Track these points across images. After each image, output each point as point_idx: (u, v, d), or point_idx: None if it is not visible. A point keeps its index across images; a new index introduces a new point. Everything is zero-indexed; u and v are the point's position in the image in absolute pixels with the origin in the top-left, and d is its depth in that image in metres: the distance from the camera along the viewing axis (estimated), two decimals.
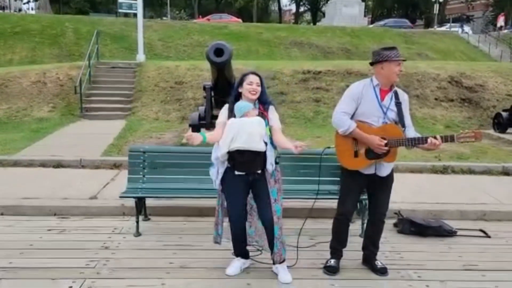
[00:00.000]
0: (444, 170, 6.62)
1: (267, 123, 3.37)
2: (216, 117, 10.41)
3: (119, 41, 23.13)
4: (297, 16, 62.28)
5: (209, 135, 3.37)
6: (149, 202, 4.78)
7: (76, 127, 10.06)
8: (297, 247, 3.76)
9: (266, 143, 3.31)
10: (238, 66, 12.79)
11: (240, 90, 3.42)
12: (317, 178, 3.99)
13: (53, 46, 21.68)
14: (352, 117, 3.43)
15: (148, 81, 12.87)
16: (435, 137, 3.28)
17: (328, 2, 41.30)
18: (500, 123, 10.00)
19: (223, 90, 8.86)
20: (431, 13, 47.82)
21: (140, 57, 15.92)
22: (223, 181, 3.42)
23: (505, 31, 38.80)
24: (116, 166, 6.51)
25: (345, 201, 3.55)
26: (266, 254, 3.70)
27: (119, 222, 4.65)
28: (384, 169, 3.45)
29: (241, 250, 3.58)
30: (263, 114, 3.39)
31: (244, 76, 3.42)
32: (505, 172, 6.65)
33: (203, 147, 7.63)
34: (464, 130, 3.33)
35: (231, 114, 3.39)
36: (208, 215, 4.84)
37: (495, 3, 53.16)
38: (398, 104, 3.42)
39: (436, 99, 12.02)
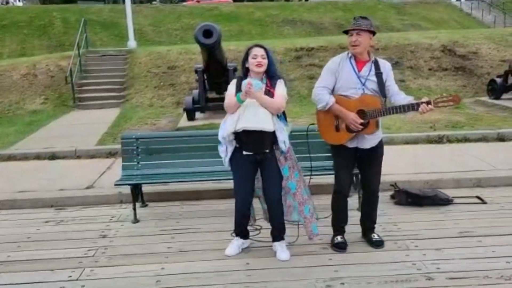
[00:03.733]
0: (439, 140, 6.62)
1: None
2: (210, 99, 10.42)
3: (109, 28, 22.86)
4: None
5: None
6: (146, 188, 4.79)
7: (70, 117, 10.01)
8: (298, 223, 3.74)
9: (275, 123, 3.27)
10: (230, 47, 12.71)
11: (247, 65, 3.34)
12: (309, 155, 3.96)
13: (42, 37, 21.41)
14: (332, 92, 3.40)
15: (140, 68, 12.75)
16: (416, 105, 3.20)
17: None
18: (495, 89, 9.96)
19: (215, 72, 8.83)
20: None
21: (131, 43, 15.72)
22: (231, 160, 3.39)
23: None
24: (111, 154, 6.50)
25: (339, 178, 3.54)
26: (265, 233, 3.73)
27: (117, 210, 4.66)
28: (366, 142, 3.42)
29: (241, 230, 3.59)
30: (270, 92, 3.30)
31: (248, 50, 3.34)
32: (500, 138, 6.65)
33: (198, 130, 7.57)
34: (442, 94, 3.31)
35: (239, 91, 3.29)
36: (205, 198, 4.87)
37: None
38: (379, 74, 3.37)
39: (430, 69, 11.95)
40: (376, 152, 3.51)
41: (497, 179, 5.01)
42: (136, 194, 4.49)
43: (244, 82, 3.20)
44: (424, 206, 4.42)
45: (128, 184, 4.32)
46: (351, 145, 3.43)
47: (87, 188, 5.15)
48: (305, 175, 3.97)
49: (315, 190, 4.70)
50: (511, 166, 5.31)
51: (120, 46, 17.39)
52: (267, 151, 3.30)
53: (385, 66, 3.44)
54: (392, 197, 4.69)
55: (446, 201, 4.47)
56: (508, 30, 15.36)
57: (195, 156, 4.56)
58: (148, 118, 9.39)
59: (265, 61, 3.29)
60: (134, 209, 4.33)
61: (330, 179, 3.85)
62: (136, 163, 4.51)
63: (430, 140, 6.61)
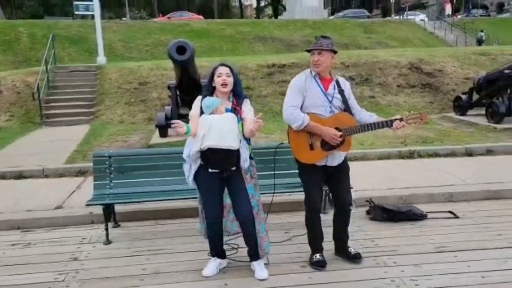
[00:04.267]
0: (410, 155, 6.75)
1: (240, 119, 3.27)
2: (183, 116, 10.37)
3: (77, 44, 22.50)
4: (259, 10, 62.28)
5: (191, 127, 3.25)
6: (118, 208, 4.64)
7: (37, 135, 9.69)
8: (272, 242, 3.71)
9: (240, 140, 3.24)
10: (202, 63, 12.65)
11: (213, 84, 3.32)
12: (274, 172, 3.95)
13: (7, 52, 20.86)
14: (300, 110, 3.41)
15: (111, 84, 12.54)
16: (390, 122, 3.33)
17: None
18: (460, 106, 10.29)
19: (188, 89, 8.76)
20: (387, 3, 48.83)
21: (101, 59, 15.51)
22: (196, 178, 3.33)
23: (459, 16, 40.17)
24: (81, 173, 6.30)
25: (310, 196, 3.52)
26: (242, 252, 3.67)
27: (88, 231, 4.49)
28: (335, 159, 3.45)
29: (217, 250, 3.52)
30: (235, 109, 3.29)
31: (214, 69, 3.32)
32: (468, 153, 6.84)
33: (172, 147, 7.48)
34: (410, 112, 3.42)
35: (202, 110, 3.29)
36: (180, 216, 4.77)
37: None
38: (341, 92, 3.45)
39: (398, 86, 12.25)
40: (343, 168, 3.54)
41: (468, 194, 5.12)
42: (109, 214, 4.35)
43: (204, 101, 3.26)
44: (399, 222, 4.46)
45: (101, 204, 4.17)
46: (321, 163, 3.45)
47: (56, 208, 4.96)
48: (268, 193, 3.96)
49: (293, 206, 4.73)
50: (480, 181, 5.44)
51: (89, 62, 17.12)
52: (234, 168, 3.28)
53: (345, 84, 3.53)
54: (368, 212, 4.71)
55: (420, 216, 4.53)
56: (470, 49, 16.00)
57: (171, 174, 4.47)
58: (119, 135, 9.20)
59: (230, 80, 3.29)
60: (106, 229, 4.18)
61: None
62: (108, 181, 4.38)
63: (402, 156, 6.74)
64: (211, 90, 3.35)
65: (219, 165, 3.23)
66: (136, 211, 4.76)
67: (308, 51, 3.45)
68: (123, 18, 37.63)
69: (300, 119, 3.34)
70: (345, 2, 58.49)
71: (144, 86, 12.14)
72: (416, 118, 3.34)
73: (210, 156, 3.20)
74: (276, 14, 57.96)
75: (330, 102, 3.39)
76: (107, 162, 4.39)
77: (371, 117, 3.45)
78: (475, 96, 10.09)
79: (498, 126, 8.66)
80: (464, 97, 10.26)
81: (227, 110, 3.26)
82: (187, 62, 7.45)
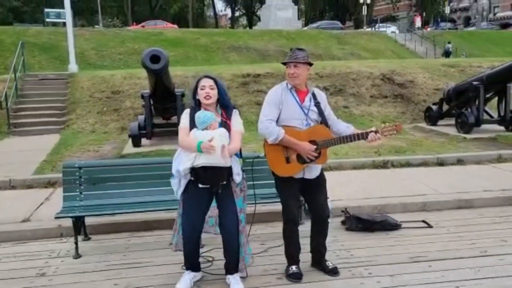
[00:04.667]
0: (384, 165, 6.83)
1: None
2: (157, 125, 10.18)
3: (48, 51, 21.97)
4: (233, 20, 62.58)
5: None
6: (89, 220, 4.49)
7: (4, 145, 9.36)
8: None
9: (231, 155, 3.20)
10: (177, 72, 12.59)
11: (197, 97, 3.27)
12: (253, 183, 3.88)
13: None
14: (276, 123, 3.39)
15: (82, 92, 12.28)
16: (365, 134, 3.33)
17: (263, 6, 41.84)
18: (431, 116, 10.53)
19: (162, 98, 8.67)
20: (360, 15, 49.93)
21: (72, 67, 15.19)
22: (184, 192, 3.27)
23: (428, 29, 41.36)
24: (50, 184, 6.09)
25: (287, 208, 3.49)
26: (217, 265, 3.60)
27: (56, 244, 4.33)
28: (312, 171, 3.46)
29: (192, 263, 3.43)
30: (226, 123, 3.24)
31: (197, 82, 3.27)
32: (440, 163, 6.97)
33: (145, 158, 7.31)
34: (386, 124, 3.44)
35: (193, 123, 3.20)
36: (154, 228, 4.66)
37: (416, 4, 56.46)
38: (318, 104, 3.45)
39: (371, 96, 12.44)
40: (320, 180, 3.54)
41: (441, 203, 5.20)
42: (78, 227, 4.20)
43: (198, 115, 3.18)
44: (375, 232, 4.48)
45: (70, 217, 4.03)
46: (298, 175, 3.43)
47: (23, 221, 4.76)
48: (249, 203, 3.91)
49: (269, 217, 4.68)
50: (452, 190, 5.54)
51: (60, 70, 16.74)
52: (224, 183, 3.23)
53: (321, 95, 3.54)
54: (343, 223, 4.72)
55: (395, 226, 4.56)
56: (440, 61, 16.46)
57: (143, 185, 4.37)
58: (91, 145, 8.98)
59: (214, 92, 3.23)
60: (76, 243, 4.04)
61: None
62: (78, 193, 4.24)
63: (376, 165, 6.80)
64: (197, 103, 3.28)
65: (210, 181, 3.19)
66: (108, 224, 4.62)
67: (284, 63, 3.44)
68: (96, 26, 37.14)
69: (275, 133, 3.31)
70: (318, 14, 59.38)
71: (117, 95, 11.94)
72: (391, 129, 3.35)
73: (201, 173, 3.15)
74: (250, 24, 58.37)
75: (306, 114, 3.39)
76: (77, 173, 4.25)
77: (348, 128, 3.45)
78: (445, 107, 10.34)
79: (468, 136, 8.88)
80: (434, 107, 10.50)
81: (219, 126, 3.22)
82: (161, 71, 7.37)
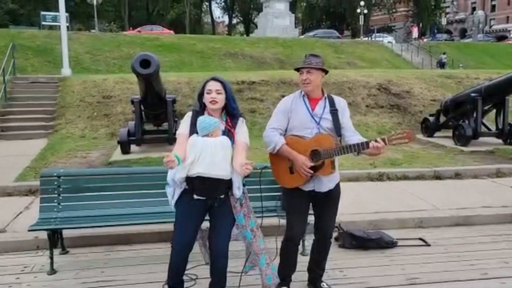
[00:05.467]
0: (379, 177, 6.62)
1: (233, 142, 2.97)
2: (147, 132, 9.91)
3: (42, 54, 21.71)
4: (230, 27, 62.60)
5: (179, 154, 2.85)
6: (67, 232, 4.24)
7: None
8: (241, 272, 3.37)
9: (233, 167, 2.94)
10: (170, 78, 12.38)
11: (203, 100, 3.02)
12: (261, 194, 3.63)
13: None
14: (285, 133, 3.19)
15: (73, 96, 12.04)
16: (375, 140, 3.07)
17: (260, 14, 41.84)
18: (428, 128, 10.36)
19: (153, 104, 8.44)
20: (357, 24, 50.10)
21: (66, 71, 14.98)
22: (178, 201, 3.01)
23: (425, 40, 41.51)
24: (31, 192, 5.83)
25: (292, 224, 3.25)
26: (201, 283, 3.36)
27: (31, 258, 4.06)
28: (323, 184, 3.20)
29: (176, 280, 3.17)
30: (230, 132, 2.99)
31: (204, 84, 3.02)
32: (437, 176, 6.77)
33: (130, 167, 7.05)
34: (396, 131, 3.17)
35: (194, 128, 2.96)
36: (136, 242, 4.41)
37: (413, 15, 56.80)
38: (334, 112, 3.20)
39: (367, 106, 12.28)
40: (333, 195, 3.28)
41: (438, 220, 4.99)
42: (55, 240, 3.94)
43: (201, 120, 2.93)
44: (369, 249, 4.25)
45: (46, 229, 3.77)
46: (307, 188, 3.19)
47: None
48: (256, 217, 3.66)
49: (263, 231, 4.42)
50: (450, 206, 5.33)
51: (54, 73, 16.49)
52: (222, 196, 2.97)
53: (340, 102, 3.29)
54: (336, 239, 4.48)
55: (391, 244, 4.33)
56: (437, 72, 16.38)
57: (125, 196, 4.12)
58: (78, 151, 8.72)
59: (221, 97, 2.96)
60: (51, 257, 3.78)
61: (274, 220, 3.63)
62: (56, 204, 3.98)
63: (371, 178, 6.59)
64: (203, 107, 3.04)
65: (206, 193, 2.94)
66: (87, 236, 4.36)
67: (297, 69, 3.23)
68: (92, 30, 36.92)
69: (273, 142, 3.11)
70: (315, 23, 59.54)
71: (108, 99, 11.70)
72: (401, 138, 2.97)
73: (197, 183, 2.90)
74: (247, 31, 58.41)
75: (318, 123, 3.15)
76: (55, 183, 4.00)
77: (359, 141, 3.13)
78: (442, 118, 10.18)
79: (465, 148, 8.70)
80: (431, 119, 10.33)
81: (222, 134, 2.98)
82: (151, 76, 7.15)
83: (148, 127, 8.99)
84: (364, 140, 3.17)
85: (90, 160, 7.97)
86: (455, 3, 67.42)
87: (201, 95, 3.03)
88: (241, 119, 3.06)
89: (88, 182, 4.15)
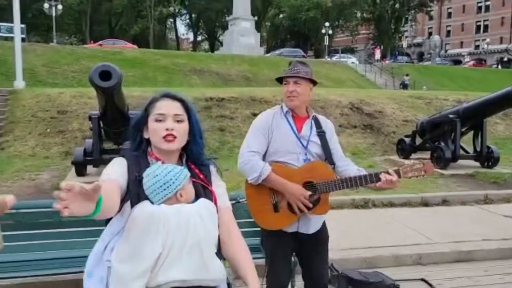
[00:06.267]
0: (365, 204, 6.09)
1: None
2: (106, 151, 8.99)
3: None
4: (195, 44, 62.06)
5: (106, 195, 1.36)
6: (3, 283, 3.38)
7: None
8: None
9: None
10: (133, 93, 11.55)
11: (145, 135, 1.70)
12: None
13: None
14: (264, 158, 2.56)
15: (24, 111, 11.00)
16: (386, 172, 2.49)
17: (226, 31, 41.62)
18: (404, 149, 10.02)
19: (113, 120, 7.58)
20: (320, 45, 50.78)
21: (19, 83, 13.93)
22: None
23: (387, 62, 42.49)
24: None
25: (275, 272, 2.62)
26: None
27: None
28: (310, 224, 2.58)
29: None
30: (204, 187, 1.69)
31: (150, 104, 1.71)
32: (424, 203, 6.31)
33: None
34: (411, 162, 2.59)
35: (137, 187, 1.60)
36: None
37: (374, 37, 58.39)
38: (321, 134, 2.62)
39: (340, 125, 11.88)
40: (321, 237, 2.67)
41: (438, 255, 4.46)
42: None
43: (152, 173, 1.60)
44: None
45: None
46: (290, 229, 2.56)
47: None
48: None
49: None
50: (447, 239, 4.82)
51: (6, 86, 15.26)
52: None
53: (327, 124, 2.70)
54: (329, 282, 3.85)
55: (391, 287, 3.75)
56: (407, 93, 16.36)
57: (79, 235, 3.33)
58: (27, 172, 7.77)
59: (182, 128, 1.66)
60: None
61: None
62: None
63: (356, 205, 6.06)
64: (144, 147, 1.71)
65: None
66: (15, 284, 3.49)
67: (280, 79, 2.62)
68: (51, 43, 35.40)
69: (258, 170, 2.46)
70: (280, 43, 60.03)
71: (63, 115, 10.75)
72: (418, 170, 2.49)
73: None
74: (212, 49, 58.03)
75: (306, 147, 2.55)
76: None
77: (359, 172, 2.57)
78: (418, 140, 9.86)
79: (445, 172, 8.36)
80: (407, 140, 10.00)
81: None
82: (112, 89, 6.35)
83: (108, 145, 8.15)
84: (361, 169, 2.63)
85: (40, 183, 7.07)
86: (413, 27, 69.93)
87: (141, 122, 1.71)
88: (211, 166, 1.79)
89: (21, 216, 3.30)
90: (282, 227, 2.53)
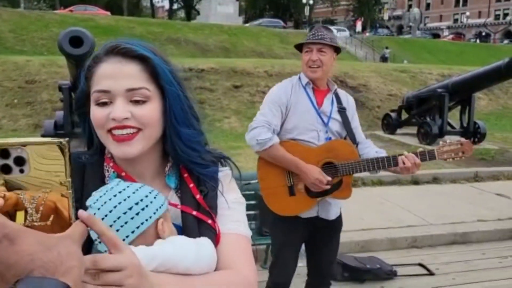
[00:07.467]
0: (354, 183, 5.82)
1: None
2: (78, 124, 8.50)
3: None
4: (171, 13, 60.19)
5: None
6: None
7: None
8: None
9: None
10: None
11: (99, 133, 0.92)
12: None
13: None
14: (279, 135, 2.24)
15: None
16: (415, 154, 2.22)
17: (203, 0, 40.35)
18: (390, 124, 9.82)
19: None
20: (300, 15, 49.99)
21: None
22: None
23: (367, 34, 42.17)
24: None
25: (280, 265, 2.36)
26: None
27: None
28: (331, 209, 2.34)
29: None
30: (212, 229, 0.90)
31: (88, 70, 0.93)
32: (414, 181, 6.12)
33: None
34: (447, 141, 2.32)
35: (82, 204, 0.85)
36: None
37: (354, 9, 57.86)
38: (342, 111, 2.33)
39: None
40: (339, 224, 2.46)
41: (433, 238, 4.27)
42: None
43: (98, 200, 0.82)
44: (365, 282, 3.42)
45: None
46: (308, 214, 2.27)
47: None
48: None
49: None
50: (442, 220, 4.63)
51: None
52: None
53: (348, 100, 2.41)
54: None
55: (389, 274, 3.53)
56: (391, 66, 16.09)
57: None
58: None
59: (146, 112, 0.89)
60: None
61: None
62: None
63: None
64: (97, 148, 0.98)
65: None
66: None
67: (299, 46, 2.29)
68: (18, 8, 33.59)
69: (267, 133, 2.16)
70: (259, 12, 58.79)
71: (32, 85, 10.09)
72: (456, 151, 2.21)
73: None
74: (189, 18, 56.41)
75: (326, 124, 2.25)
76: None
77: (378, 154, 2.30)
78: (404, 115, 9.66)
79: (431, 147, 8.19)
80: (393, 115, 9.80)
81: (177, 227, 0.89)
82: (84, 57, 5.80)
83: None
84: (381, 150, 2.38)
85: None
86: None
87: (83, 105, 0.96)
88: (227, 172, 1.03)
89: None
90: (298, 213, 2.23)
